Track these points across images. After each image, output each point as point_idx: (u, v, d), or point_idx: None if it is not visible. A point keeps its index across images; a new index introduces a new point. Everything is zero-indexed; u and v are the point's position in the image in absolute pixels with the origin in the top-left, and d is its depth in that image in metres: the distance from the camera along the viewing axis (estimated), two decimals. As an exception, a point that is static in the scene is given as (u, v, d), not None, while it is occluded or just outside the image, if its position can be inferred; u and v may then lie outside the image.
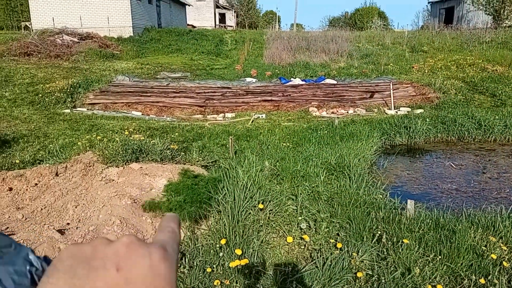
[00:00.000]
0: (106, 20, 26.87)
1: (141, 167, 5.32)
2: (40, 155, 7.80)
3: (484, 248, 4.26)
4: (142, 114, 12.73)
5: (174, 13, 37.48)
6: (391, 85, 13.81)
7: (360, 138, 9.42)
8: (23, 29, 29.86)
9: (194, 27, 41.80)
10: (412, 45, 24.14)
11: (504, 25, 30.85)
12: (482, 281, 3.62)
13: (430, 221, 4.81)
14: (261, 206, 4.32)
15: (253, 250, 3.84)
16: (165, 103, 13.59)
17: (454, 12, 39.63)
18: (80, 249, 0.42)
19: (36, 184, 6.52)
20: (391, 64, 19.59)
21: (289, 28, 46.37)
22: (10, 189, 6.27)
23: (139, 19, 28.37)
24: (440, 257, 4.05)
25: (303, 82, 16.81)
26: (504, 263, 3.98)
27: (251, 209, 4.33)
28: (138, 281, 0.39)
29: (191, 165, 6.05)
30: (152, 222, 4.22)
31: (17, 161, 7.24)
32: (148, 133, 9.35)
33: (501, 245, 4.32)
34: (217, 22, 48.91)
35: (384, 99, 13.99)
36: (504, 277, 3.76)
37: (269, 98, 14.23)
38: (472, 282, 3.63)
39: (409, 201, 5.08)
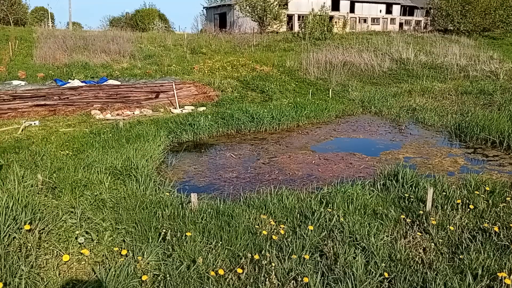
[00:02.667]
0: None
1: None
2: None
3: (257, 226, 4.81)
4: None
5: None
6: (173, 85, 14.21)
7: (147, 139, 9.36)
8: None
9: None
10: (192, 47, 25.44)
11: (267, 30, 35.82)
12: (257, 256, 4.06)
13: (212, 210, 5.15)
14: (27, 227, 3.75)
15: (19, 279, 3.30)
16: None
17: (227, 17, 43.68)
18: None
19: None
20: (174, 65, 20.17)
21: (65, 27, 42.29)
22: None
23: None
24: (221, 242, 4.36)
25: (83, 84, 15.59)
26: (274, 236, 4.59)
27: (16, 232, 3.71)
28: None
29: None
30: None
31: None
32: None
33: (271, 221, 4.96)
34: (-31, 16, 40.46)
35: (169, 98, 14.30)
36: (274, 249, 4.31)
37: (43, 102, 12.64)
38: (248, 259, 4.03)
39: (192, 194, 5.30)
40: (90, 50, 21.69)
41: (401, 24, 51.86)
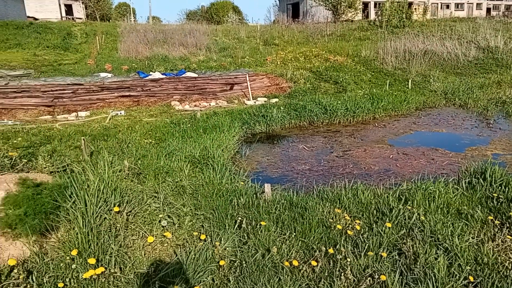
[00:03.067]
0: None
1: (-30, 182, 4.51)
2: None
3: (331, 220, 4.75)
4: (-26, 120, 10.87)
5: (9, 4, 32.79)
6: (247, 77, 14.43)
7: (223, 129, 9.64)
8: None
9: (36, 19, 37.23)
10: (265, 38, 25.59)
11: (342, 19, 34.91)
12: (331, 250, 4.03)
13: (285, 202, 5.18)
14: (116, 209, 4.06)
15: (110, 257, 3.59)
16: (4, 105, 11.84)
17: (300, 7, 43.26)
18: None
19: None
20: (247, 57, 20.46)
21: (146, 21, 44.78)
22: None
23: (-39, 9, 24.06)
24: (295, 234, 4.38)
25: (164, 76, 16.42)
26: (349, 231, 4.50)
27: (107, 213, 4.04)
28: None
29: (36, 172, 5.38)
30: (-13, 243, 3.62)
31: None
32: (-19, 141, 8.02)
33: (345, 215, 4.87)
34: (64, 14, 44.48)
35: (243, 90, 14.56)
36: (349, 244, 4.24)
37: (128, 93, 13.54)
38: (323, 252, 4.01)
39: (266, 185, 5.37)
40: (169, 44, 22.74)
41: (488, 10, 47.61)
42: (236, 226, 4.47)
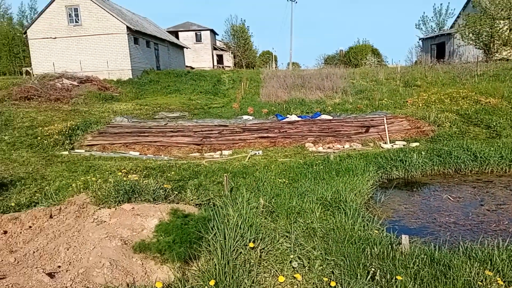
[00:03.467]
0: (105, 64, 27.55)
1: (133, 208, 5.30)
2: (36, 197, 7.79)
3: (480, 283, 4.17)
4: (140, 154, 12.80)
5: (172, 55, 38.46)
6: (385, 119, 13.97)
7: (356, 173, 9.42)
8: (24, 74, 30.57)
9: (192, 68, 42.78)
10: (406, 80, 24.60)
11: (495, 58, 31.58)
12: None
13: (425, 256, 4.74)
14: (251, 245, 4.27)
15: (243, 291, 3.77)
16: (162, 143, 13.69)
17: (445, 47, 40.64)
18: None
19: (30, 227, 6.47)
20: (385, 99, 19.89)
21: (286, 67, 47.47)
22: (5, 232, 6.22)
23: (137, 62, 29.08)
24: (436, 293, 3.96)
25: (299, 118, 17.01)
26: (502, 298, 3.90)
27: (242, 248, 4.28)
28: None
29: (185, 204, 6.03)
30: (142, 264, 4.16)
31: (13, 204, 7.22)
32: (144, 172, 9.37)
33: (498, 279, 4.24)
34: (215, 63, 50.12)
35: (380, 133, 14.11)
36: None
37: (266, 134, 14.35)
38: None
39: (403, 236, 5.02)
40: (306, 88, 23.60)
41: None
42: (369, 277, 4.26)
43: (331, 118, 16.99)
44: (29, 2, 50.58)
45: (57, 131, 13.74)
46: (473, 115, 15.58)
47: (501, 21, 31.40)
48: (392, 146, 12.93)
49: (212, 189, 7.96)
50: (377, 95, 20.63)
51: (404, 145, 12.91)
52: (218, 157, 12.26)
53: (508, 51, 32.14)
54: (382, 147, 12.96)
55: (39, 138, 13.37)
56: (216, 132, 14.71)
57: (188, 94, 24.21)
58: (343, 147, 13.31)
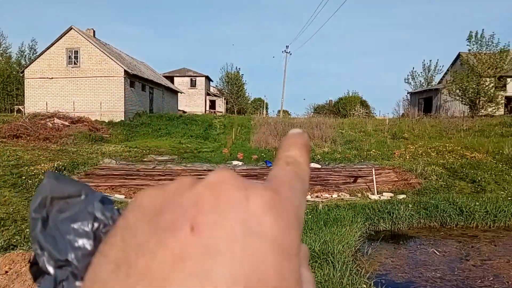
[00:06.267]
0: (99, 105, 27.81)
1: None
2: (15, 240, 7.57)
3: None
4: (125, 197, 12.63)
5: (166, 99, 39.05)
6: (373, 170, 14.12)
7: (344, 224, 9.40)
8: (15, 112, 30.61)
9: (185, 112, 43.29)
10: (393, 132, 25.14)
11: (480, 114, 32.64)
12: None
13: (411, 313, 4.67)
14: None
15: None
16: (150, 186, 13.57)
17: (433, 102, 42.00)
18: (155, 195, 0.28)
19: (6, 271, 6.24)
20: (374, 150, 20.21)
21: (276, 114, 48.33)
22: (-23, 276, 5.99)
23: (131, 105, 29.43)
24: None
25: (288, 167, 17.09)
26: None
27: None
28: (221, 247, 0.23)
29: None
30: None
31: (-11, 247, 7.00)
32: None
33: None
34: (208, 108, 50.87)
35: (367, 184, 14.20)
36: None
37: (255, 181, 14.32)
38: None
39: (389, 291, 4.96)
40: (296, 135, 23.92)
41: None
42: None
43: (319, 166, 17.11)
44: (30, 43, 51.47)
45: (43, 171, 13.58)
46: (459, 169, 15.83)
47: (487, 79, 32.80)
48: (380, 197, 12.98)
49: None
50: (365, 146, 20.97)
51: (391, 197, 12.97)
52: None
53: (493, 107, 33.31)
54: (370, 198, 13.00)
55: (23, 177, 13.18)
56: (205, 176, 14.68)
57: (178, 138, 24.34)
58: (331, 196, 13.32)
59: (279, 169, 0.30)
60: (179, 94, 43.79)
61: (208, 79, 52.56)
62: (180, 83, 49.88)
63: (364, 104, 50.13)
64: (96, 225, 0.30)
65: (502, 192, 13.04)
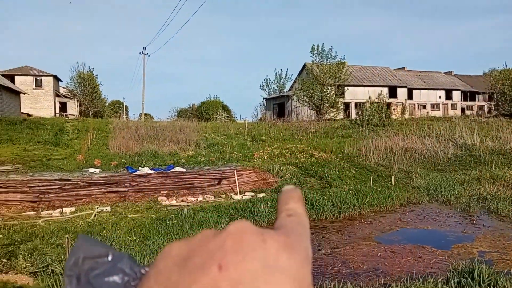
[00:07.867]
0: None
1: None
2: None
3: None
4: (-46, 216, 10.63)
5: (6, 101, 34.04)
6: (235, 172, 14.72)
7: (209, 226, 9.57)
8: None
9: (30, 115, 38.36)
10: (253, 134, 26.59)
11: (325, 118, 36.79)
12: None
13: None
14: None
15: None
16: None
17: (285, 107, 45.71)
18: (180, 246, 0.32)
19: None
20: (236, 152, 21.06)
21: (138, 118, 46.43)
22: None
23: (-42, 105, 24.81)
24: None
25: (152, 171, 16.61)
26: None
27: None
28: (247, 280, 0.28)
29: (16, 273, 5.19)
30: None
31: None
32: (-41, 239, 7.79)
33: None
34: (58, 111, 46.02)
35: (231, 185, 14.73)
36: None
37: (115, 189, 13.56)
38: None
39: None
40: (159, 140, 23.40)
41: (462, 110, 50.94)
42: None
43: (184, 170, 17.06)
44: None
45: None
46: (309, 167, 17.59)
47: (329, 87, 37.10)
48: (242, 197, 13.60)
49: (51, 253, 7.04)
50: (228, 149, 21.70)
51: (252, 196, 13.71)
52: (58, 216, 11.01)
53: (335, 112, 37.86)
54: (233, 198, 13.52)
55: None
56: (57, 187, 13.26)
57: (23, 145, 21.44)
58: (197, 199, 13.43)
59: (283, 220, 0.36)
60: (21, 95, 38.60)
61: (56, 78, 47.55)
62: (23, 82, 44.03)
63: (225, 108, 51.71)
64: (126, 278, 0.34)
65: (345, 187, 14.95)
